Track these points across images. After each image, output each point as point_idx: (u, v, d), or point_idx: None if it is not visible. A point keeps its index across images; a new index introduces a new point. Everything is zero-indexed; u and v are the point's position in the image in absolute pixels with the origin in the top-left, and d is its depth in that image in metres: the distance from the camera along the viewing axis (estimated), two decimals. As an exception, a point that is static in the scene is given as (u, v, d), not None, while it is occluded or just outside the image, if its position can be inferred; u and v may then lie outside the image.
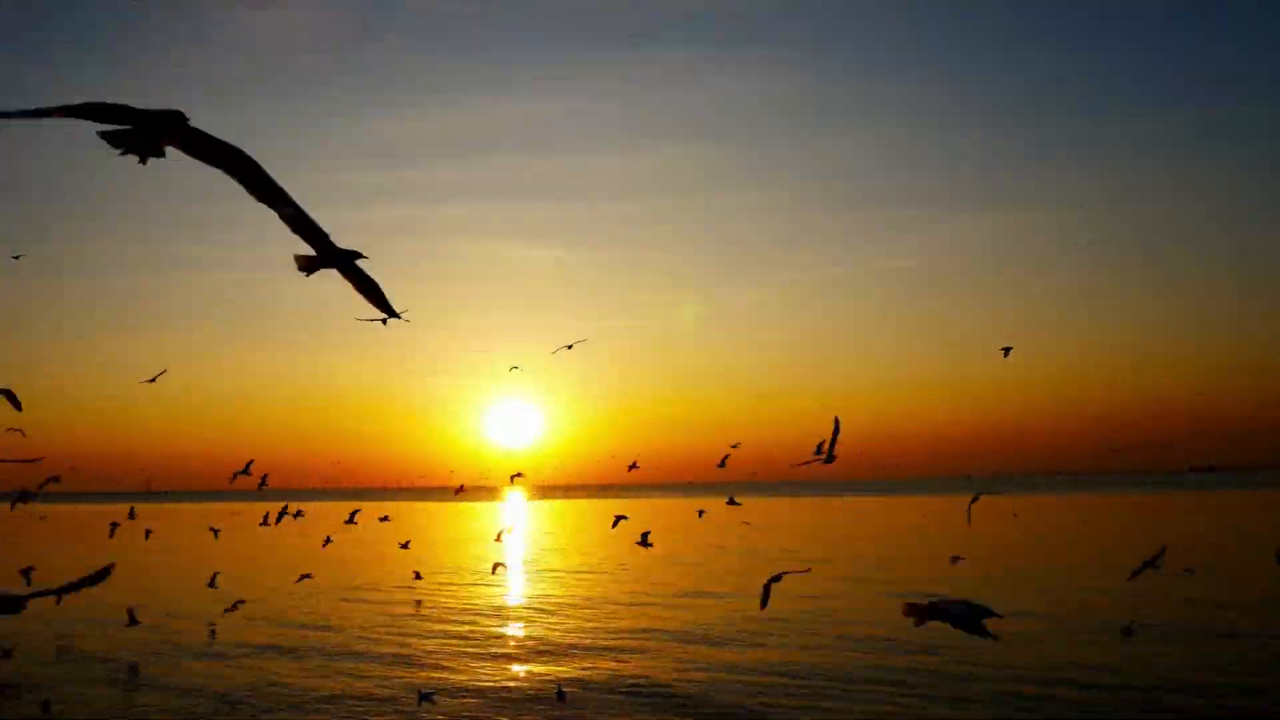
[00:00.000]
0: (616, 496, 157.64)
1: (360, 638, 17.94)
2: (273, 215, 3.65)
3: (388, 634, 18.36)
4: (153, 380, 15.05)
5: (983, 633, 4.38)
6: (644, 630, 18.29)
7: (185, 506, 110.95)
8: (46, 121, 3.07)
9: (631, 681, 13.78)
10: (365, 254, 4.00)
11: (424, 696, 12.61)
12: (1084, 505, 75.72)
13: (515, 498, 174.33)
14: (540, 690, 13.35)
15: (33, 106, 3.00)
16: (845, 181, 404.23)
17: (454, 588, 26.46)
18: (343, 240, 3.90)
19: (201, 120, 3.31)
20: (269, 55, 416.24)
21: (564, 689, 13.00)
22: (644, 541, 18.25)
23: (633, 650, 16.22)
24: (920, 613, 4.37)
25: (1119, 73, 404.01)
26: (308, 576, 22.65)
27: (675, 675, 14.11)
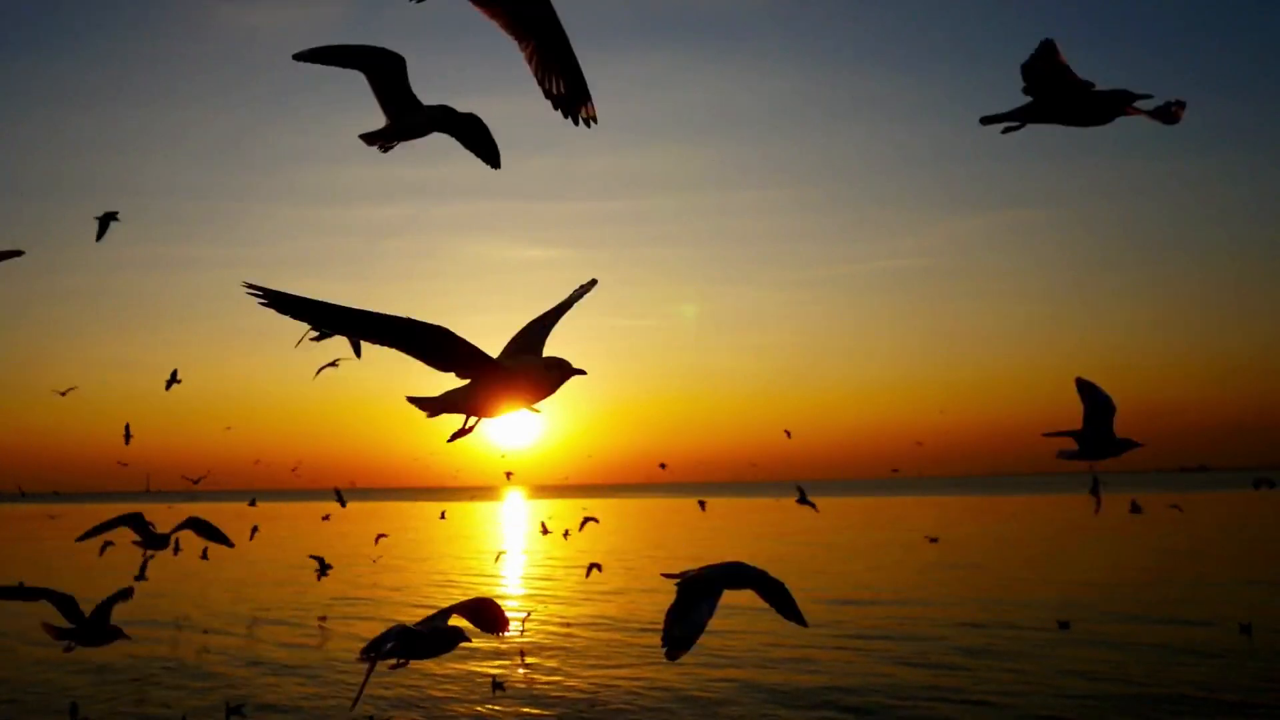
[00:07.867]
0: (631, 496, 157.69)
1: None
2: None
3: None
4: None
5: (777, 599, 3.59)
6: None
7: (183, 506, 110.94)
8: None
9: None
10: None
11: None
12: (1078, 505, 75.94)
13: (514, 497, 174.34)
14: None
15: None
16: (845, 181, 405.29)
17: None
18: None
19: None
20: (268, 54, 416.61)
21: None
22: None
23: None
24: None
25: (1117, 73, 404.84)
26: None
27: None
